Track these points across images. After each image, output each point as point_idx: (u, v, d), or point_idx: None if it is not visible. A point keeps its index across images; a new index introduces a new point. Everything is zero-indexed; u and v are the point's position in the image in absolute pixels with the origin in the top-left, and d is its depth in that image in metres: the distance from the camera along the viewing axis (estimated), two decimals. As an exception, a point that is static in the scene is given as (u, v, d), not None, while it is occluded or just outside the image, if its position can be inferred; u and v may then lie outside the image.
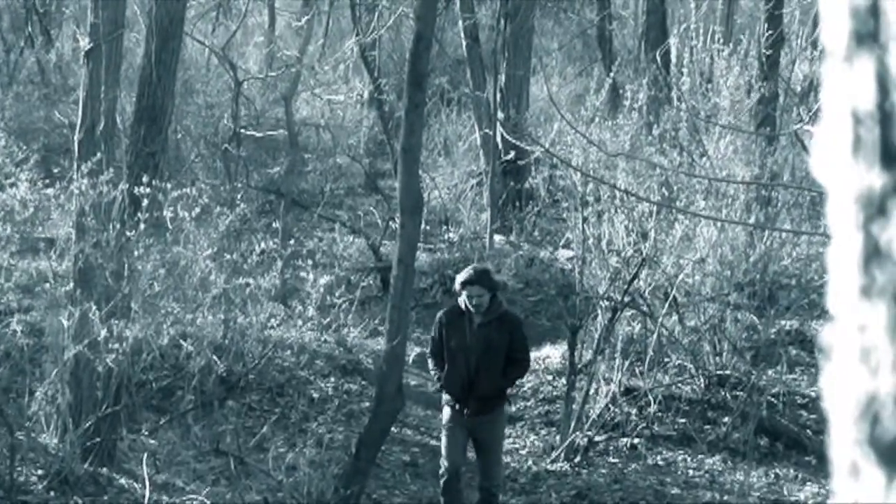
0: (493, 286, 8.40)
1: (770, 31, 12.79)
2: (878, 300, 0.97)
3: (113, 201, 8.65)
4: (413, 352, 11.42)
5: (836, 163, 1.00)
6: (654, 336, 10.69)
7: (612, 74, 13.34)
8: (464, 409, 8.37)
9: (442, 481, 8.56)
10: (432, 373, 8.73)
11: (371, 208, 16.03)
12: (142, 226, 8.63)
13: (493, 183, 15.57)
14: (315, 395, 10.96)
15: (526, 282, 14.36)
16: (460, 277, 8.43)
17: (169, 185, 8.97)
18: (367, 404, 10.57)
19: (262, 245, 10.14)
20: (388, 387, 9.07)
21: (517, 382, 9.27)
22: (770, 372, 10.96)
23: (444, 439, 8.60)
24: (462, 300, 8.39)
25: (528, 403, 11.20)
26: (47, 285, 9.43)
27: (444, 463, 8.54)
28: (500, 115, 15.66)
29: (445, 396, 8.56)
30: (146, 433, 9.45)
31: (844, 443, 1.00)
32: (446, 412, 8.55)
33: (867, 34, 0.97)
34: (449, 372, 8.40)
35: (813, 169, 1.03)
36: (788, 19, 14.27)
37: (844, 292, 0.99)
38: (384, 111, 16.49)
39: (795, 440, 10.29)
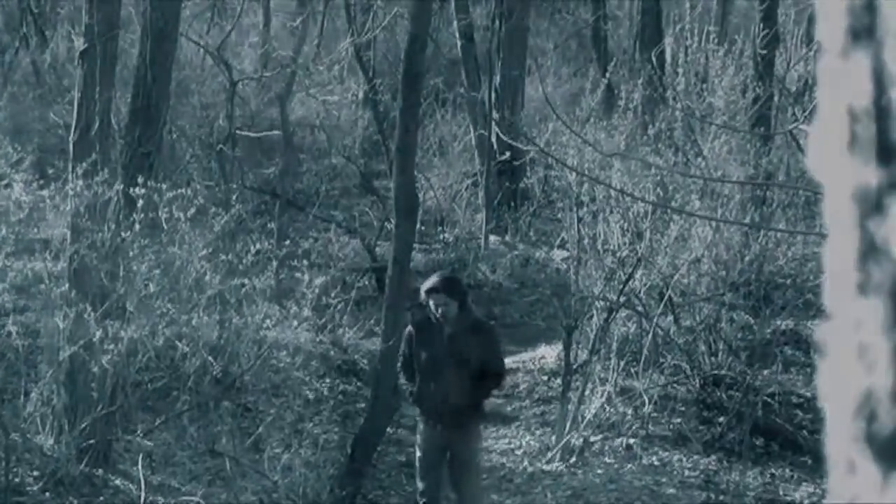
0: (459, 294, 7.96)
1: (765, 31, 12.82)
2: (874, 297, 0.97)
3: (108, 202, 8.64)
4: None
5: (832, 159, 1.00)
6: (650, 336, 10.69)
7: (607, 74, 13.37)
8: (437, 424, 7.93)
9: (422, 502, 8.12)
10: (403, 388, 8.27)
11: (366, 209, 16.02)
12: (137, 226, 8.62)
13: (488, 183, 15.59)
14: (310, 396, 10.95)
15: (521, 282, 14.38)
16: (425, 285, 8.01)
17: (164, 186, 8.95)
18: (363, 405, 10.58)
19: (258, 246, 10.11)
20: (383, 387, 9.08)
21: (493, 392, 8.62)
22: (765, 372, 10.97)
23: (418, 458, 8.17)
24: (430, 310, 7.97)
25: (524, 404, 11.20)
26: (42, 286, 9.41)
27: (420, 484, 8.14)
28: (495, 115, 15.67)
29: (418, 412, 8.20)
30: (141, 434, 9.44)
31: (841, 440, 1.00)
32: (420, 429, 8.15)
33: (863, 30, 0.97)
34: (421, 386, 7.95)
35: (809, 166, 1.03)
36: (783, 19, 14.30)
37: (840, 289, 0.99)
38: (379, 111, 16.49)
39: (791, 440, 10.30)
